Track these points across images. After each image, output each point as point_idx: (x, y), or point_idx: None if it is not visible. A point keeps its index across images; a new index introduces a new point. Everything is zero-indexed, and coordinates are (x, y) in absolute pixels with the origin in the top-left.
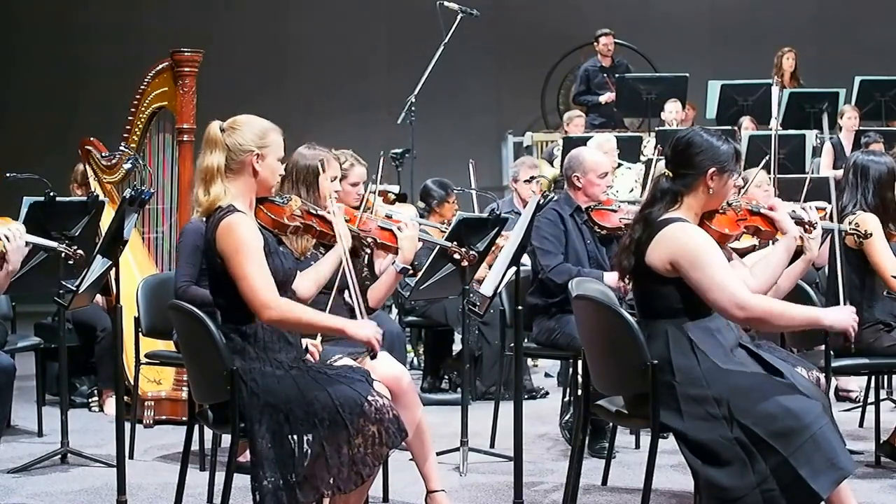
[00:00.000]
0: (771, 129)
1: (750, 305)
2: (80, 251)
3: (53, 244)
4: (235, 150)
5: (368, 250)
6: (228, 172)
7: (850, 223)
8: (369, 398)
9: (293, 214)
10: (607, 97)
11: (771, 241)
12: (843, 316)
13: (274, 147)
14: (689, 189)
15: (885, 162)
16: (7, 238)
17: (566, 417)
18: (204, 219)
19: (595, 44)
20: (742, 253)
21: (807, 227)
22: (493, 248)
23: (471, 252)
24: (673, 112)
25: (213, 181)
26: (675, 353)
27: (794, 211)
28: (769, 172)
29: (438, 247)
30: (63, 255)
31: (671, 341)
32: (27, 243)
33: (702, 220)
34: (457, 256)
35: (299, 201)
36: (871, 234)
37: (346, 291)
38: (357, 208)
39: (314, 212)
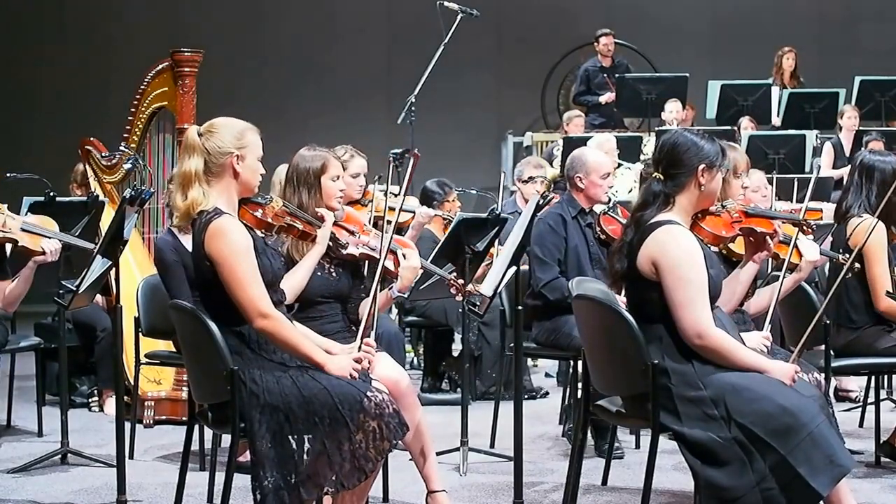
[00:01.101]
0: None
1: (709, 336)
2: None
3: (90, 245)
4: (215, 153)
5: (341, 254)
6: (210, 176)
7: (854, 227)
8: (368, 394)
9: (276, 214)
10: (607, 97)
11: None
12: (785, 379)
13: (252, 147)
14: (682, 188)
15: (891, 162)
16: (45, 248)
17: (569, 425)
18: (176, 229)
19: (595, 44)
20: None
21: (804, 228)
22: (487, 257)
23: (466, 288)
24: (673, 112)
25: (190, 185)
26: (669, 356)
27: (791, 212)
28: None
29: (439, 246)
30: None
31: (665, 345)
32: (63, 242)
33: (695, 220)
34: (453, 290)
35: (280, 201)
36: (858, 269)
37: (349, 304)
38: (359, 201)
39: (295, 212)
